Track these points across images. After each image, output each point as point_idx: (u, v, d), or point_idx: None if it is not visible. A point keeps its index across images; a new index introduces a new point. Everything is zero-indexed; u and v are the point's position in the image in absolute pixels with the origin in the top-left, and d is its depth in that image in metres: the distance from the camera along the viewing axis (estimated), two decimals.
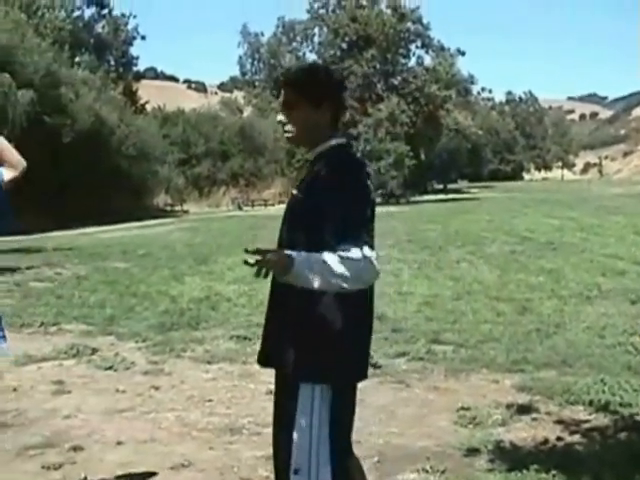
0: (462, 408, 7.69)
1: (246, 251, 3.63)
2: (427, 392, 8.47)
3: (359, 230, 3.71)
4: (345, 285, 3.63)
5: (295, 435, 3.82)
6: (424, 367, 9.40)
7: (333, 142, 4.00)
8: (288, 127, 4.03)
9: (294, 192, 4.05)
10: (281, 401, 4.01)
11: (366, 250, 3.65)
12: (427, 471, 6.08)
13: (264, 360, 4.10)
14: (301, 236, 3.85)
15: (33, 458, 6.56)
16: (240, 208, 65.52)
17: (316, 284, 3.62)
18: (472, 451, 6.51)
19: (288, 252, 3.64)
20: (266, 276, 3.64)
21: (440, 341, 10.71)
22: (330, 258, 3.61)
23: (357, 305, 3.85)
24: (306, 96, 3.93)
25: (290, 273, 3.61)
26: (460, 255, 21.11)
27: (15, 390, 8.85)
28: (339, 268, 3.60)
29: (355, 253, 3.62)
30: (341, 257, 3.61)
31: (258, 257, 3.58)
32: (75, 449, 6.78)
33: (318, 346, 3.78)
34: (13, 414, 7.91)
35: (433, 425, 7.33)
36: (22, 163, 4.81)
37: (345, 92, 4.28)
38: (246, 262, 3.59)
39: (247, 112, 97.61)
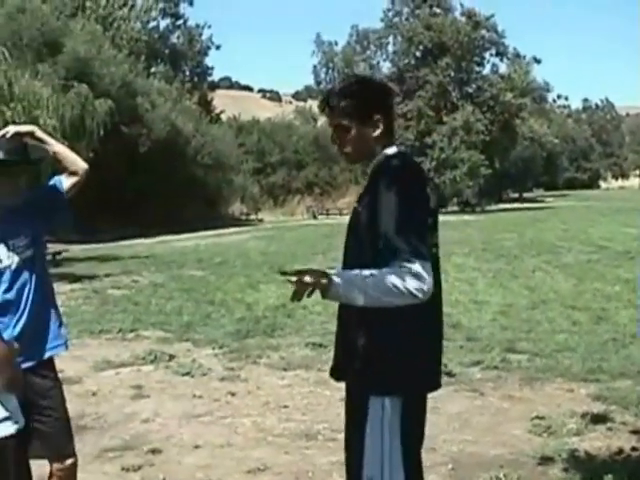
0: (537, 417, 7.70)
1: (283, 273, 3.73)
2: (501, 401, 8.47)
3: (414, 242, 3.66)
4: (393, 301, 3.62)
5: (367, 446, 3.83)
6: (499, 376, 9.40)
7: (388, 152, 4.00)
8: (343, 148, 4.05)
9: (357, 206, 4.02)
10: (352, 413, 4.02)
11: (418, 264, 3.60)
12: (501, 479, 6.10)
13: (335, 374, 4.15)
14: (358, 249, 3.88)
15: (112, 460, 6.71)
16: (315, 217, 65.70)
17: (360, 302, 3.63)
18: (546, 460, 6.51)
19: (328, 271, 3.69)
20: (301, 299, 3.68)
21: (515, 350, 10.69)
22: (377, 274, 3.60)
23: (423, 316, 3.82)
24: (353, 116, 3.91)
25: (330, 293, 3.64)
26: (535, 264, 21.00)
27: (94, 394, 9.04)
28: (386, 284, 3.57)
29: (406, 267, 3.59)
30: (389, 273, 3.58)
31: (294, 278, 3.64)
32: (154, 452, 6.93)
33: (385, 359, 3.78)
34: (93, 417, 8.08)
35: (507, 433, 7.34)
36: (83, 166, 4.89)
37: (391, 98, 4.21)
38: (289, 281, 3.66)
39: (321, 121, 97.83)
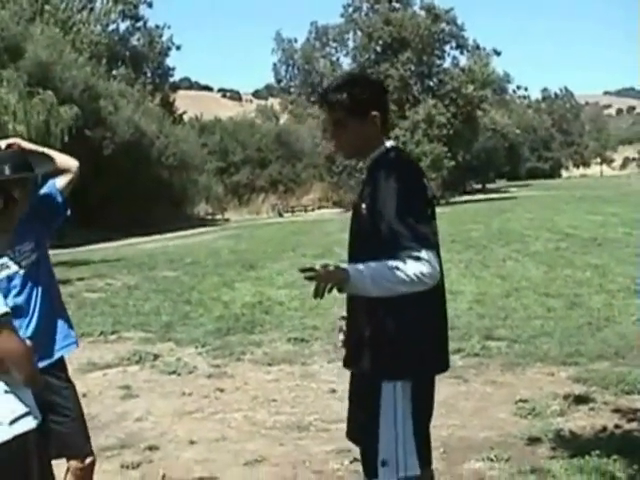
0: (520, 400, 7.91)
1: (303, 271, 3.88)
2: (485, 386, 8.67)
3: (417, 232, 3.84)
4: (404, 289, 3.79)
5: (381, 431, 4.00)
6: (480, 362, 9.60)
7: (384, 146, 4.13)
8: (340, 144, 4.19)
9: (356, 200, 4.20)
10: (364, 400, 4.14)
11: (424, 252, 3.79)
12: (492, 460, 6.28)
13: (347, 363, 4.31)
14: (363, 242, 4.04)
15: (111, 459, 6.83)
16: (280, 214, 65.86)
17: (374, 293, 3.82)
18: (534, 440, 6.71)
19: (343, 266, 3.86)
20: (323, 295, 3.80)
21: (493, 337, 10.90)
22: (387, 265, 3.77)
23: (429, 301, 3.99)
24: (350, 113, 4.02)
25: (347, 287, 3.81)
26: (505, 253, 21.26)
27: (85, 396, 9.08)
28: (397, 274, 3.76)
29: (413, 256, 3.77)
30: (399, 262, 3.76)
31: (312, 274, 3.81)
32: (151, 449, 7.07)
33: (395, 344, 3.95)
34: (86, 418, 8.17)
35: (493, 417, 7.53)
36: (74, 164, 4.99)
37: (387, 95, 4.37)
38: (310, 278, 3.82)
39: (283, 119, 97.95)
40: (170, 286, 18.62)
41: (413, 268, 3.75)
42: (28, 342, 3.76)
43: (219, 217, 66.14)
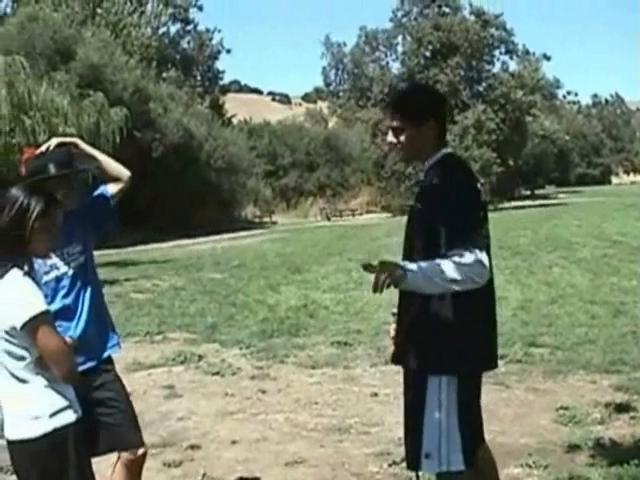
0: (561, 407, 7.89)
1: (365, 267, 4.00)
2: (526, 393, 8.67)
3: (470, 233, 4.02)
4: (457, 287, 3.94)
5: (425, 424, 4.14)
6: (522, 369, 9.58)
7: (441, 153, 4.33)
8: (399, 147, 4.38)
9: (412, 203, 4.39)
10: (411, 394, 4.30)
11: (477, 253, 3.95)
12: (530, 466, 6.30)
13: (395, 358, 4.47)
14: (419, 243, 4.20)
15: (154, 456, 6.90)
16: (328, 218, 65.85)
17: (428, 290, 3.98)
18: (573, 447, 6.70)
19: (401, 263, 3.98)
20: (382, 289, 3.90)
21: (537, 344, 10.87)
22: (441, 264, 3.91)
23: (478, 301, 4.15)
24: (411, 119, 4.27)
25: (404, 283, 3.93)
26: (552, 260, 21.13)
27: (129, 395, 9.24)
28: (450, 273, 3.89)
29: (466, 256, 3.92)
30: (453, 262, 3.90)
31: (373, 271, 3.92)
32: (192, 448, 7.17)
33: (441, 341, 4.11)
34: None
35: (534, 424, 7.53)
36: (126, 173, 5.07)
37: (445, 106, 4.60)
38: (368, 271, 3.96)
39: (332, 122, 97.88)
40: (216, 288, 18.74)
41: (465, 267, 3.91)
42: (68, 339, 3.86)
43: (267, 220, 66.19)
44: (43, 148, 4.78)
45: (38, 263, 4.52)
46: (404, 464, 5.98)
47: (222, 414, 8.28)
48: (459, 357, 4.12)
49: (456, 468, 4.17)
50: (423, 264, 3.94)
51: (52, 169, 4.59)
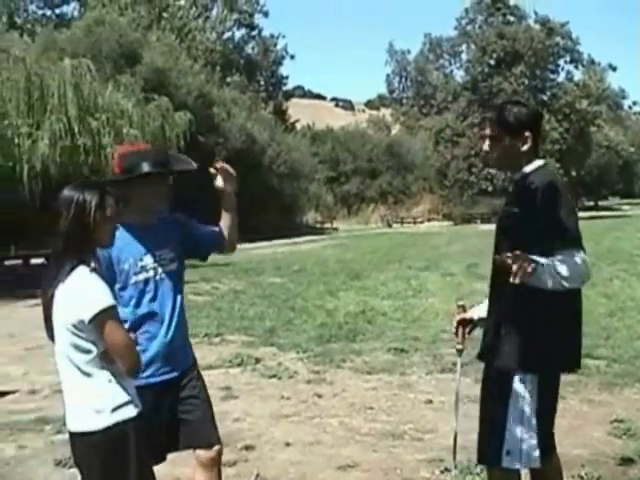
0: (616, 420, 7.82)
1: (496, 261, 4.22)
2: (582, 404, 8.61)
3: (576, 237, 4.24)
4: (566, 284, 4.12)
5: (508, 421, 4.27)
6: (578, 380, 9.50)
7: (537, 164, 4.51)
8: (493, 155, 4.59)
9: (508, 209, 4.54)
10: (493, 390, 4.43)
11: (582, 254, 4.19)
12: (582, 477, 6.26)
13: (481, 355, 4.62)
14: (517, 243, 4.23)
15: None
16: (389, 225, 65.86)
17: (549, 285, 4.11)
18: (626, 460, 6.64)
19: (534, 258, 4.07)
20: (515, 277, 4.01)
21: (594, 356, 10.75)
22: (557, 263, 4.10)
23: (567, 302, 4.33)
24: (508, 130, 4.48)
25: (533, 276, 4.05)
26: (612, 272, 20.92)
27: None
28: (564, 271, 4.09)
29: (576, 257, 4.15)
30: (566, 262, 4.10)
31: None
32: (247, 448, 7.23)
33: (530, 340, 4.25)
34: None
35: (588, 435, 7.48)
36: (233, 246, 5.23)
37: (541, 120, 4.80)
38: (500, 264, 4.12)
39: (395, 130, 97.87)
40: (276, 292, 18.85)
41: (576, 267, 4.13)
42: (132, 335, 3.95)
43: (328, 226, 66.35)
44: (141, 146, 4.82)
45: (129, 263, 4.61)
46: (455, 471, 6.03)
47: (277, 416, 8.33)
48: (545, 357, 4.29)
49: (534, 465, 4.35)
50: (543, 260, 4.09)
51: (146, 167, 4.56)
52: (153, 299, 4.67)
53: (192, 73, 49.98)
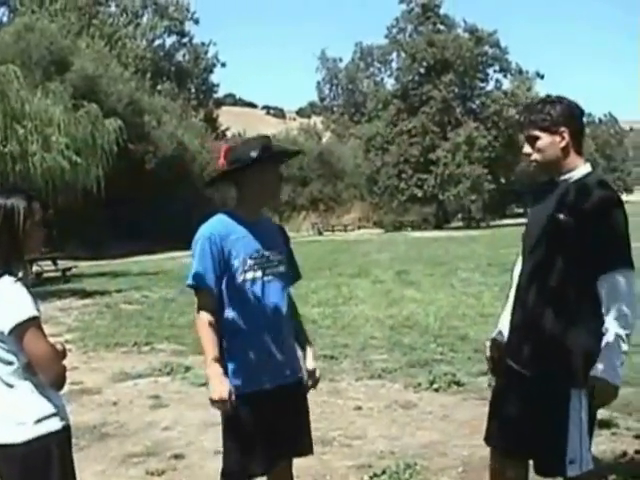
0: None
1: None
2: None
3: (630, 252, 4.31)
4: (629, 331, 4.28)
5: (570, 433, 4.33)
6: None
7: (585, 168, 4.51)
8: (533, 157, 4.55)
9: (557, 214, 4.44)
10: (549, 402, 4.42)
11: (632, 272, 4.27)
12: None
13: (528, 366, 4.55)
14: (569, 257, 4.36)
15: (137, 465, 6.99)
16: (320, 233, 65.93)
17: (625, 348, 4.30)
18: None
19: (608, 380, 4.24)
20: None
21: None
22: (609, 335, 4.23)
23: (601, 321, 4.32)
24: (543, 128, 4.44)
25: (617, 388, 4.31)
26: None
27: (115, 404, 9.33)
28: (618, 328, 4.23)
29: (629, 278, 4.25)
30: (617, 320, 4.23)
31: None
32: (176, 457, 7.22)
33: (585, 356, 4.30)
34: (115, 426, 8.37)
35: None
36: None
37: (580, 115, 4.65)
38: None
39: (326, 137, 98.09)
40: None
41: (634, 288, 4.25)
42: (59, 346, 3.90)
43: None
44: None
45: (239, 260, 4.55)
46: (384, 476, 6.08)
47: (207, 424, 8.28)
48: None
49: (591, 467, 4.43)
50: (606, 353, 4.23)
51: (254, 154, 4.55)
52: (260, 300, 4.59)
53: (122, 80, 49.70)
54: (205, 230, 4.65)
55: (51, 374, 3.72)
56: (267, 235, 4.72)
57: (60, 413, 3.86)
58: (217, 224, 4.68)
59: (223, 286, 4.53)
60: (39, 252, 4.00)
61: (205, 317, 4.55)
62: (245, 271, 4.57)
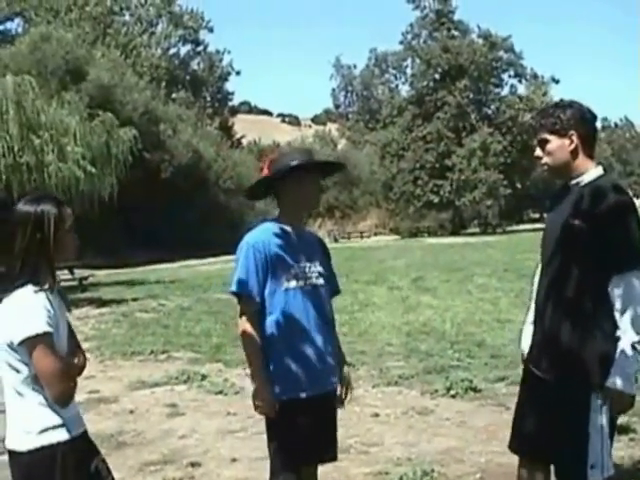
0: None
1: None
2: None
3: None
4: None
5: (591, 438, 4.32)
6: None
7: (597, 171, 4.50)
8: (544, 160, 4.58)
9: (572, 220, 4.42)
10: (570, 408, 4.41)
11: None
12: None
13: (547, 371, 4.55)
14: (581, 259, 4.36)
15: (154, 473, 6.99)
16: (336, 240, 65.90)
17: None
18: None
19: (624, 391, 4.24)
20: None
21: None
22: (625, 340, 4.23)
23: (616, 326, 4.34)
24: (553, 131, 4.47)
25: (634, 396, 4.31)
26: None
27: (132, 412, 9.33)
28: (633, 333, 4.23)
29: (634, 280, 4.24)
30: (631, 322, 4.24)
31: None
32: (193, 465, 7.20)
33: (605, 361, 4.28)
34: (132, 434, 8.37)
35: None
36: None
37: (591, 119, 4.62)
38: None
39: (341, 144, 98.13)
40: (222, 308, 18.73)
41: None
42: (77, 360, 3.89)
43: None
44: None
45: (283, 268, 4.62)
46: None
47: (223, 432, 8.31)
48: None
49: (612, 472, 4.42)
50: (620, 362, 4.23)
51: (294, 162, 4.64)
52: (300, 309, 4.64)
53: (137, 89, 49.88)
54: (250, 238, 4.74)
55: (55, 392, 3.70)
56: (309, 246, 4.81)
57: (68, 425, 3.83)
58: (261, 233, 4.77)
59: (265, 294, 4.59)
60: (74, 259, 3.98)
61: (248, 324, 4.64)
62: (288, 280, 4.62)
